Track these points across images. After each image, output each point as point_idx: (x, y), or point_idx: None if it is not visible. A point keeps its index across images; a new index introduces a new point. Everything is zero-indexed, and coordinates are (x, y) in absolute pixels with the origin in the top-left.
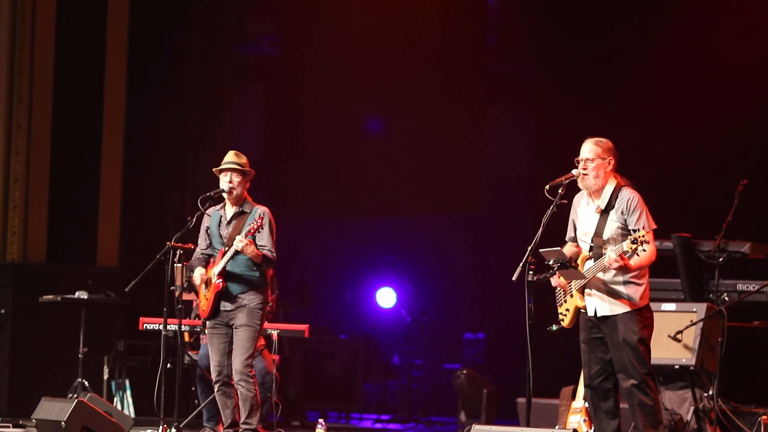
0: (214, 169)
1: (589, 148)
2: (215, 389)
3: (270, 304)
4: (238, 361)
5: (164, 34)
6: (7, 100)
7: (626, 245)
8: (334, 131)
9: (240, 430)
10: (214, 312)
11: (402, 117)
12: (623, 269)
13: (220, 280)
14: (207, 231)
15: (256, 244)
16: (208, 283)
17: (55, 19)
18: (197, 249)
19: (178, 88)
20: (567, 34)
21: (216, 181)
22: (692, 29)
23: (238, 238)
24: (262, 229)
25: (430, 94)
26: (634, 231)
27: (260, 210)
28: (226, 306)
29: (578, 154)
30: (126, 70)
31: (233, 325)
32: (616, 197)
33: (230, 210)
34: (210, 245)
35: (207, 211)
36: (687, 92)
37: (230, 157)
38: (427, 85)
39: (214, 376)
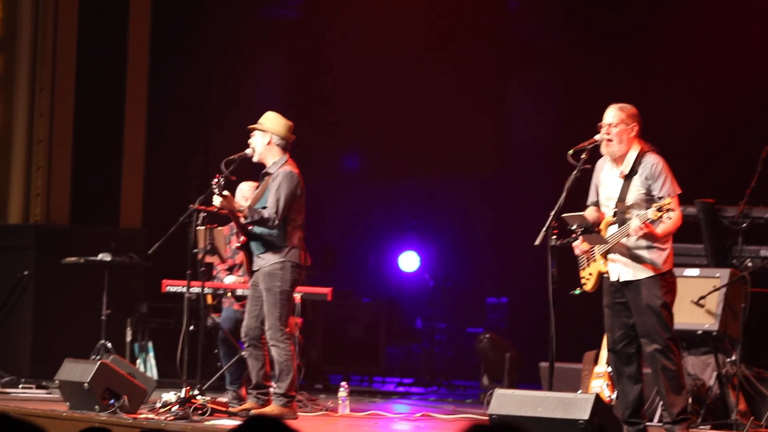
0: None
1: (612, 113)
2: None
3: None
4: (266, 327)
5: None
6: (31, 62)
7: (651, 213)
8: (358, 95)
9: (272, 390)
10: (249, 268)
11: (425, 80)
12: (648, 236)
13: (243, 237)
14: None
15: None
16: None
17: None
18: None
19: (201, 50)
20: None
21: (239, 144)
22: None
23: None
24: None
25: (453, 58)
26: (659, 198)
27: (282, 172)
28: (254, 265)
29: (601, 120)
30: (149, 32)
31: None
32: (640, 162)
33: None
34: None
35: None
36: (712, 56)
37: (260, 118)
38: (449, 50)
39: (242, 337)
